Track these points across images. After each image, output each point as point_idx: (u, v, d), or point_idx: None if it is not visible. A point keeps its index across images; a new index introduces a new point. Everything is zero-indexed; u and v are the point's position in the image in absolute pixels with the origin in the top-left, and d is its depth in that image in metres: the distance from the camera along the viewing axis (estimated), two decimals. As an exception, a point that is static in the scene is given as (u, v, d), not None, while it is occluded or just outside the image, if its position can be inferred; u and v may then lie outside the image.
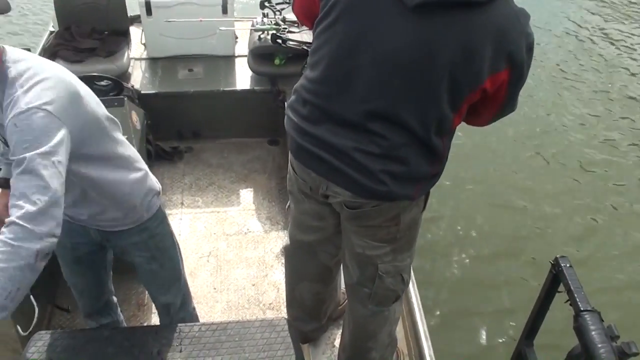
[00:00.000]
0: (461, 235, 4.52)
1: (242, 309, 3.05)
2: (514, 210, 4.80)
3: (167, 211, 2.09)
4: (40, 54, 4.02)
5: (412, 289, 2.64)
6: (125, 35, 4.25)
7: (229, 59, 4.38)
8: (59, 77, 1.53)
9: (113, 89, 3.53)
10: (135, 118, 3.35)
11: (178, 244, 2.16)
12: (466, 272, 4.20)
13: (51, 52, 3.94)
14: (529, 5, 1.69)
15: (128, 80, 3.97)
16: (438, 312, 3.84)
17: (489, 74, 1.59)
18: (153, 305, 2.95)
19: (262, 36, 3.89)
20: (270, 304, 3.08)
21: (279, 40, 3.68)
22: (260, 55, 3.96)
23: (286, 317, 2.44)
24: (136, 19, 4.49)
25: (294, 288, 2.44)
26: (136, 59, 4.32)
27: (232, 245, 3.43)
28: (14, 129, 1.41)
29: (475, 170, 5.22)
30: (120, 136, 1.82)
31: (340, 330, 2.57)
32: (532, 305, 1.80)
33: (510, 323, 3.71)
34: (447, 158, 1.83)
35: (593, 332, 1.38)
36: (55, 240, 1.40)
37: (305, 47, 3.59)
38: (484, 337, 3.74)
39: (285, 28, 3.79)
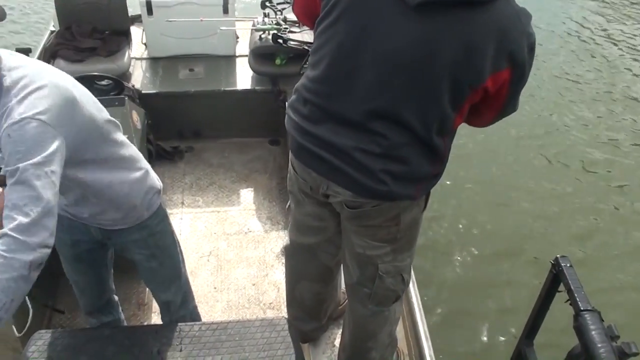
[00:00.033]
0: (462, 235, 4.52)
1: (242, 309, 3.05)
2: (515, 210, 4.80)
3: (168, 210, 2.10)
4: (41, 54, 4.03)
5: (413, 289, 2.63)
6: (126, 35, 4.24)
7: (230, 58, 4.38)
8: (55, 84, 1.50)
9: (114, 88, 3.53)
10: (136, 118, 3.35)
11: (179, 243, 2.16)
12: (466, 271, 4.20)
13: (52, 51, 3.94)
14: (531, 5, 1.69)
15: (129, 80, 3.97)
16: (438, 312, 3.84)
17: (491, 73, 1.59)
18: (153, 304, 2.97)
19: (263, 36, 3.89)
20: (270, 303, 3.08)
21: (280, 40, 3.68)
22: (261, 55, 3.96)
23: (286, 316, 2.44)
24: (137, 19, 4.49)
25: (294, 288, 2.44)
26: (137, 59, 4.33)
27: (233, 245, 3.43)
28: (7, 139, 1.40)
29: (476, 170, 5.22)
30: (120, 137, 1.81)
31: (341, 330, 2.57)
32: (533, 305, 1.80)
33: (511, 323, 3.71)
34: (448, 158, 1.83)
35: (593, 332, 1.38)
36: (48, 250, 1.40)
37: (306, 47, 3.59)
38: (484, 336, 3.73)
39: (287, 28, 3.79)
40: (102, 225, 1.92)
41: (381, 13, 1.62)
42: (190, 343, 1.95)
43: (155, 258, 2.06)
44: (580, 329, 1.42)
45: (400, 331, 2.61)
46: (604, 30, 8.34)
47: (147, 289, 3.00)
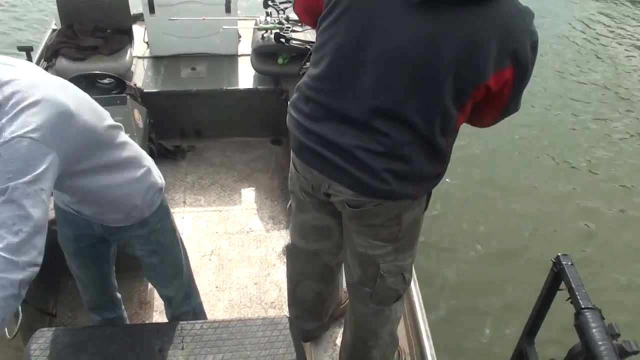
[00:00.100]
0: (463, 234, 4.52)
1: (244, 308, 3.05)
2: (517, 210, 4.80)
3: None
4: (42, 52, 4.04)
5: (414, 288, 2.63)
6: (128, 34, 4.24)
7: (232, 57, 4.38)
8: (49, 98, 1.46)
9: (115, 87, 3.54)
10: (138, 116, 3.35)
11: (181, 240, 2.16)
12: (468, 271, 4.20)
13: (54, 50, 3.94)
14: (534, 4, 1.69)
15: (131, 79, 3.97)
16: (440, 311, 3.84)
17: (494, 71, 1.59)
18: (155, 303, 2.98)
19: (265, 35, 3.89)
20: (272, 302, 3.08)
21: (282, 40, 3.68)
22: (263, 54, 3.96)
23: (288, 315, 2.45)
24: (139, 17, 4.49)
25: (296, 287, 2.45)
26: (139, 58, 4.33)
27: (235, 244, 3.43)
28: None
29: (479, 170, 5.22)
30: (122, 137, 1.80)
31: (342, 329, 2.57)
32: (533, 304, 1.80)
33: (511, 321, 3.71)
34: (449, 159, 1.83)
35: (594, 330, 1.38)
36: (37, 268, 1.40)
37: (308, 46, 3.59)
38: (485, 335, 3.74)
39: (289, 27, 3.80)
40: (104, 222, 1.92)
41: (384, 10, 1.62)
42: (191, 341, 1.95)
43: (157, 254, 2.07)
44: (581, 327, 1.42)
45: (401, 330, 2.60)
46: (609, 28, 8.34)
47: (149, 287, 3.04)
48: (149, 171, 1.91)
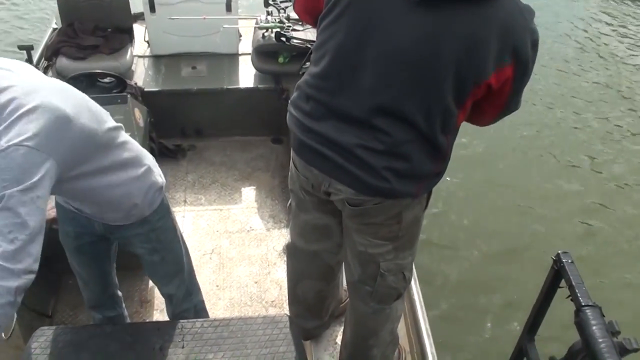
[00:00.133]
0: (464, 232, 4.52)
1: (244, 306, 3.05)
2: (518, 208, 4.80)
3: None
4: (43, 51, 4.04)
5: (414, 286, 2.63)
6: (128, 33, 4.24)
7: (233, 56, 4.38)
8: (46, 104, 1.45)
9: (116, 86, 3.54)
10: (139, 115, 3.35)
11: (182, 237, 2.17)
12: (468, 269, 4.20)
13: (54, 49, 3.94)
14: (534, 2, 1.69)
15: (131, 78, 3.97)
16: (440, 309, 3.85)
17: (494, 69, 1.59)
18: (155, 302, 2.99)
19: (266, 34, 3.88)
20: (272, 301, 3.08)
21: (283, 38, 3.68)
22: (264, 53, 3.96)
23: (288, 314, 2.45)
24: (139, 17, 4.49)
25: (296, 286, 2.45)
26: (139, 57, 4.33)
27: (235, 243, 3.43)
28: None
29: (481, 169, 5.22)
30: (122, 138, 1.79)
31: (343, 328, 2.57)
32: (534, 302, 1.80)
33: (512, 319, 3.72)
34: (450, 157, 1.83)
35: (594, 327, 1.37)
36: (33, 275, 1.41)
37: (309, 45, 3.59)
38: (485, 333, 3.74)
39: (290, 26, 3.79)
40: (105, 220, 1.93)
41: (384, 9, 1.62)
42: (192, 340, 1.95)
43: (157, 252, 2.07)
44: (581, 325, 1.41)
45: (401, 328, 2.60)
46: (611, 27, 8.34)
47: (149, 286, 3.04)
48: (149, 170, 1.90)
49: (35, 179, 1.39)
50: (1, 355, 2.30)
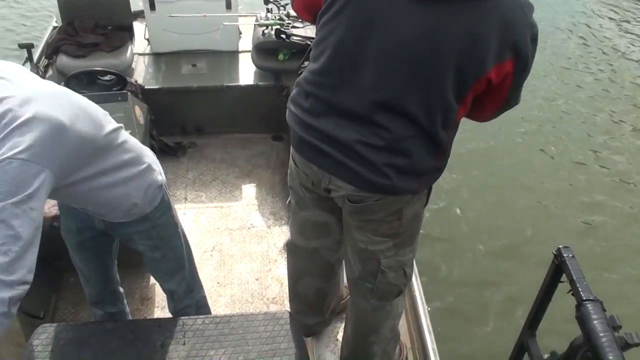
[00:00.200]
0: (465, 228, 4.52)
1: (245, 303, 3.05)
2: (519, 204, 4.80)
3: (171, 206, 2.10)
4: (43, 49, 4.04)
5: (415, 283, 2.64)
6: (128, 31, 4.25)
7: (233, 54, 4.38)
8: (42, 114, 1.44)
9: (116, 84, 3.53)
10: (139, 113, 3.35)
11: (184, 233, 2.17)
12: (469, 265, 4.20)
13: (54, 47, 3.95)
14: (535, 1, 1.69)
15: (131, 76, 3.97)
16: (441, 305, 3.85)
17: (494, 63, 1.59)
18: (157, 299, 2.99)
19: (266, 31, 3.89)
20: (273, 298, 3.08)
21: (283, 36, 3.68)
22: (264, 50, 3.96)
23: (289, 310, 2.45)
24: (139, 14, 4.49)
25: (297, 283, 2.45)
26: (140, 54, 4.33)
27: (236, 240, 3.43)
28: None
29: (482, 165, 5.21)
30: (121, 138, 1.78)
31: (344, 324, 2.57)
32: (535, 297, 1.80)
33: (513, 315, 3.72)
34: (450, 153, 1.83)
35: (595, 322, 1.37)
36: (27, 286, 1.42)
37: (309, 42, 3.59)
38: (486, 329, 3.75)
39: (289, 23, 3.79)
40: (105, 218, 1.93)
41: (385, 3, 1.61)
42: (193, 336, 1.95)
43: (158, 249, 2.07)
44: (582, 319, 1.41)
45: (402, 325, 2.60)
46: (613, 22, 8.33)
47: (151, 283, 3.04)
48: (148, 168, 1.89)
49: (30, 190, 1.39)
50: (3, 353, 2.30)
